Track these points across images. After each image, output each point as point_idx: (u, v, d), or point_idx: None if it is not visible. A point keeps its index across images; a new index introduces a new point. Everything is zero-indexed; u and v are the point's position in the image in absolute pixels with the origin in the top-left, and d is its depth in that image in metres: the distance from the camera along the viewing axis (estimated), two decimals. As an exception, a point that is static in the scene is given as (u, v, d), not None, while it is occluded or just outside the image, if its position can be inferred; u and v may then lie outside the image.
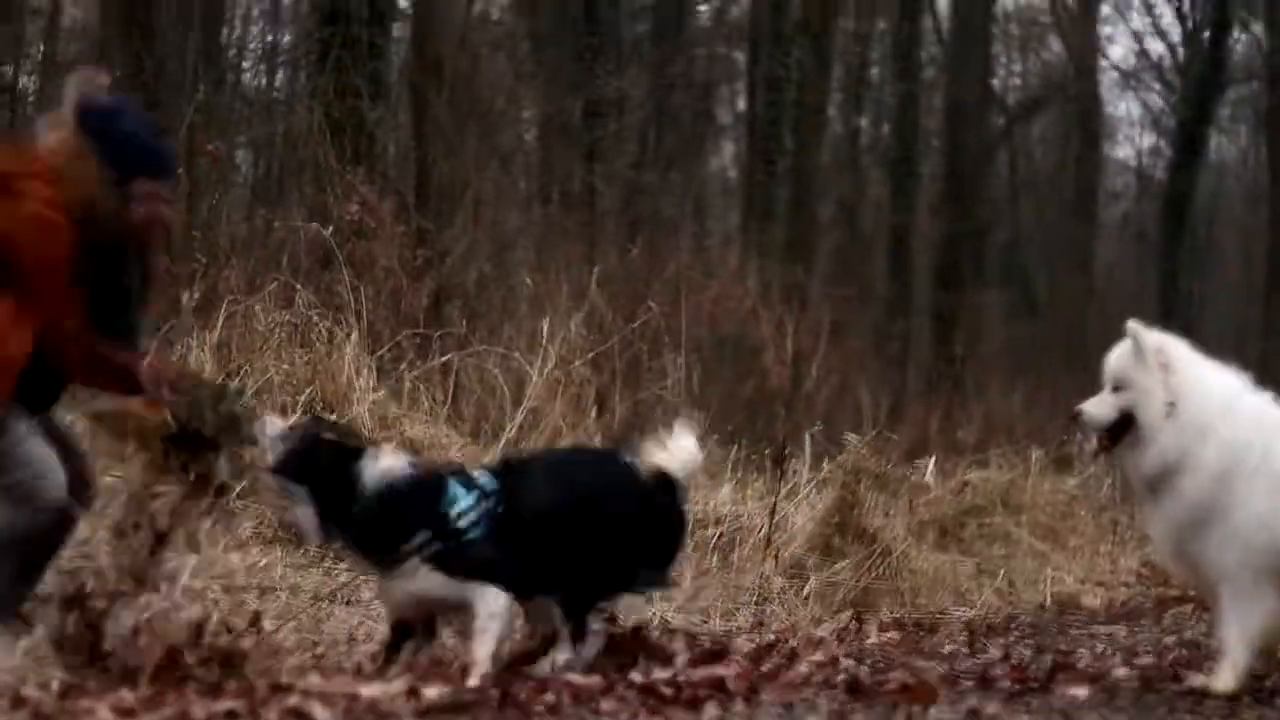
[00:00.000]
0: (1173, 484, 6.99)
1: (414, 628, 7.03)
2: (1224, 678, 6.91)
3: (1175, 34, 33.83)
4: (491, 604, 6.86)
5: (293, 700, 5.56)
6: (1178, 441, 6.97)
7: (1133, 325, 7.14)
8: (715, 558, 10.35)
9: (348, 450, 6.88)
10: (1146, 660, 7.95)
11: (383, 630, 7.64)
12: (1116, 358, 7.16)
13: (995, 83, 31.47)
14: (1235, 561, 6.88)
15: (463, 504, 6.87)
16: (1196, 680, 7.14)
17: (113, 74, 6.83)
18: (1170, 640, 8.84)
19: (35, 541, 6.55)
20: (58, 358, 6.51)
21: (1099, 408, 7.15)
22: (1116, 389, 7.11)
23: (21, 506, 6.47)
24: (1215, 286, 34.13)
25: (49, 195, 6.32)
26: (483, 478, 7.02)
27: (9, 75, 18.95)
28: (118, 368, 6.65)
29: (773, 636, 8.17)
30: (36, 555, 6.59)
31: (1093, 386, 7.41)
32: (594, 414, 12.60)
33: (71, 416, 7.42)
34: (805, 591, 9.71)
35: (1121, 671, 7.57)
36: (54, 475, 6.50)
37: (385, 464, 6.89)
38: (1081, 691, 6.98)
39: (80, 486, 6.72)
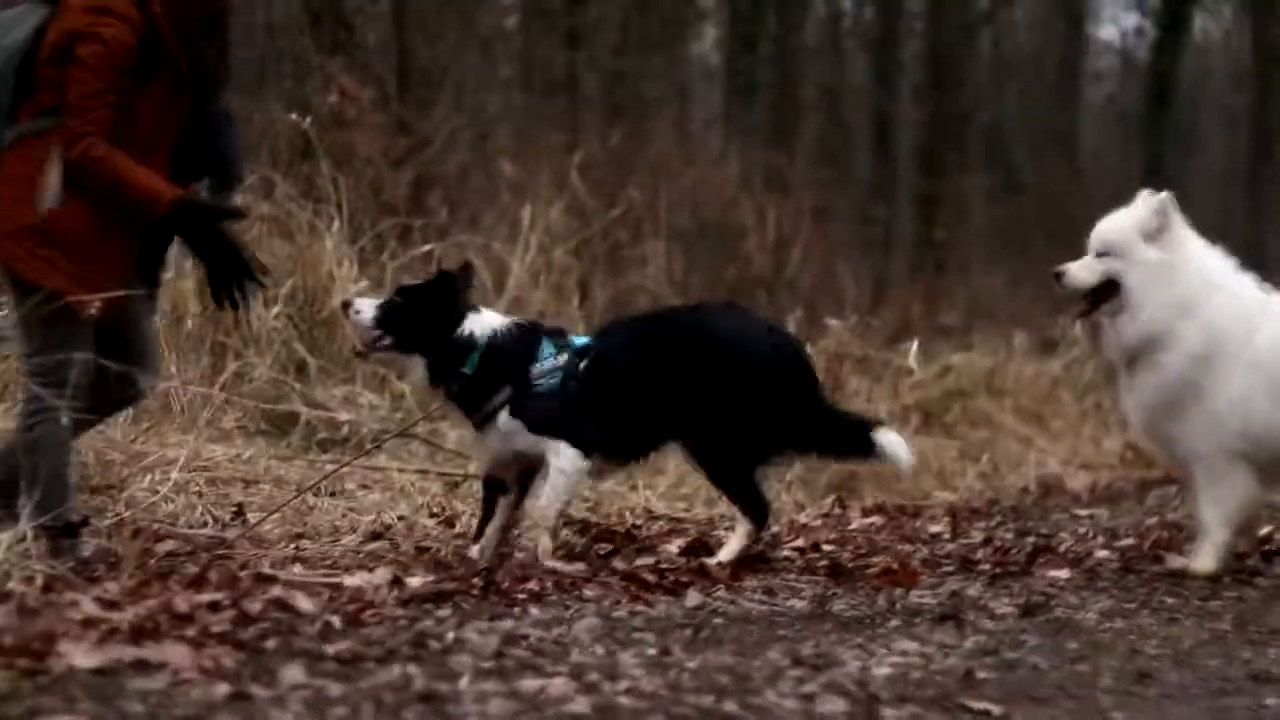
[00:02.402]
0: (1152, 359, 6.99)
1: (506, 483, 7.15)
2: (1203, 559, 6.97)
3: (1159, -87, 33.51)
4: (563, 461, 6.95)
5: (276, 591, 5.58)
6: (1164, 314, 6.97)
7: (1144, 193, 7.13)
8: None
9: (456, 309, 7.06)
10: (1128, 542, 8.00)
11: (366, 522, 7.68)
12: (1107, 224, 7.14)
13: (978, -36, 31.17)
14: (1210, 444, 6.91)
15: (544, 361, 7.01)
16: (1177, 562, 7.20)
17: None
18: (1152, 522, 8.87)
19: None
20: None
21: (1083, 270, 7.13)
22: (1101, 254, 7.09)
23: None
24: (1199, 169, 33.94)
25: None
26: (577, 337, 7.26)
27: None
28: None
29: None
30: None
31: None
32: (576, 302, 12.59)
33: None
34: (789, 478, 9.72)
35: (1103, 554, 7.63)
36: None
37: (489, 322, 7.09)
38: (1062, 574, 7.04)
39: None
